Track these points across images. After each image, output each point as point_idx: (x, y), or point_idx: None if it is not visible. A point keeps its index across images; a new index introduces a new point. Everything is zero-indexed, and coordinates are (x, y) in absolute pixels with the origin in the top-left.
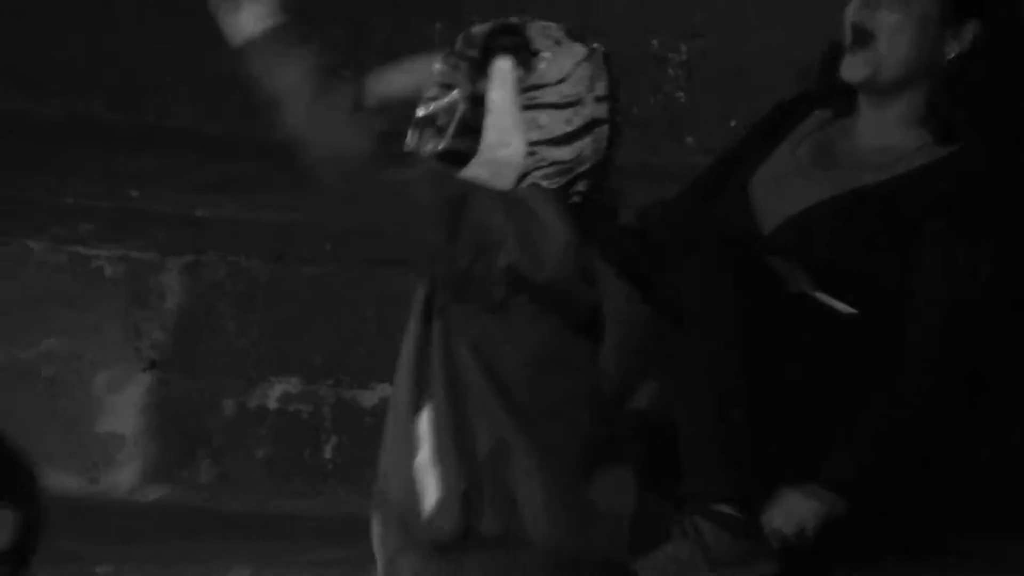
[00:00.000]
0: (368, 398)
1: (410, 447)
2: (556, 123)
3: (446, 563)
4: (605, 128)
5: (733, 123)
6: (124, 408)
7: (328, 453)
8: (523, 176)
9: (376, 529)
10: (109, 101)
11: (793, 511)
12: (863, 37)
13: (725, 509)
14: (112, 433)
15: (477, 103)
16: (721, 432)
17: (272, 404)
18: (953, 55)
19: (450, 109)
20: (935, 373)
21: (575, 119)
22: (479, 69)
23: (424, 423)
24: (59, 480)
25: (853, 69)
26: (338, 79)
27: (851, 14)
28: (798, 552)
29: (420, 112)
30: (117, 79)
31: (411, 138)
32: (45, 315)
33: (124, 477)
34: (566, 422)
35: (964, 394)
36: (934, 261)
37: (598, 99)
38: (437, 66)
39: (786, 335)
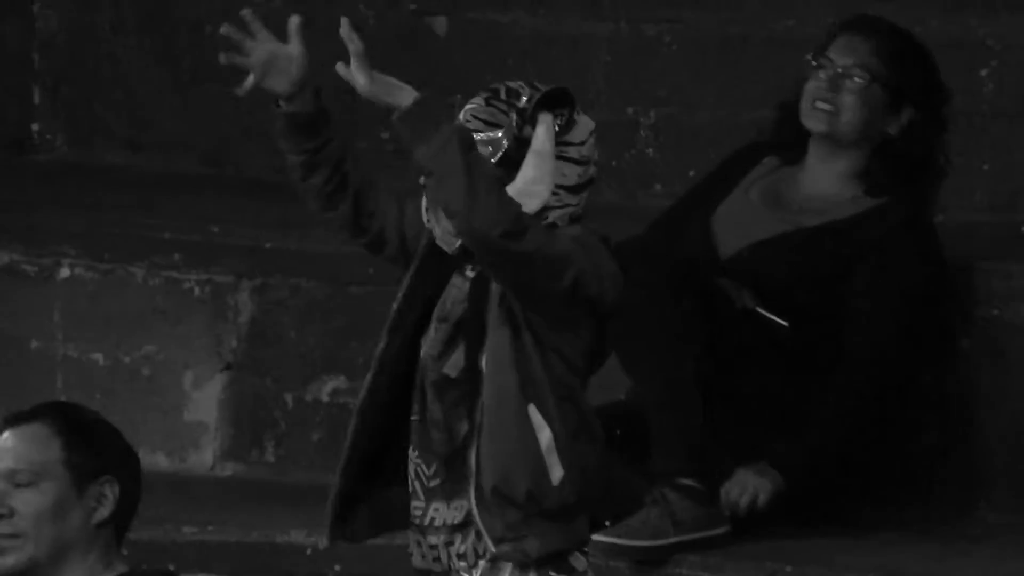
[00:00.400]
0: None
1: (529, 434)
2: (573, 175)
3: (567, 524)
4: (592, 184)
5: (692, 173)
6: (206, 401)
7: None
8: (543, 209)
9: (476, 510)
10: (198, 157)
11: (747, 486)
12: (828, 110)
13: (688, 482)
14: (197, 421)
15: (521, 143)
16: (685, 419)
17: (324, 397)
18: (892, 131)
19: (496, 143)
20: (868, 377)
21: (584, 175)
22: (527, 117)
23: (536, 414)
24: (154, 459)
25: (815, 125)
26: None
27: (813, 90)
28: (748, 518)
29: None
30: (204, 140)
31: None
32: (144, 327)
33: (205, 457)
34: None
35: (890, 393)
36: (864, 291)
37: (595, 163)
38: (474, 105)
39: (732, 340)
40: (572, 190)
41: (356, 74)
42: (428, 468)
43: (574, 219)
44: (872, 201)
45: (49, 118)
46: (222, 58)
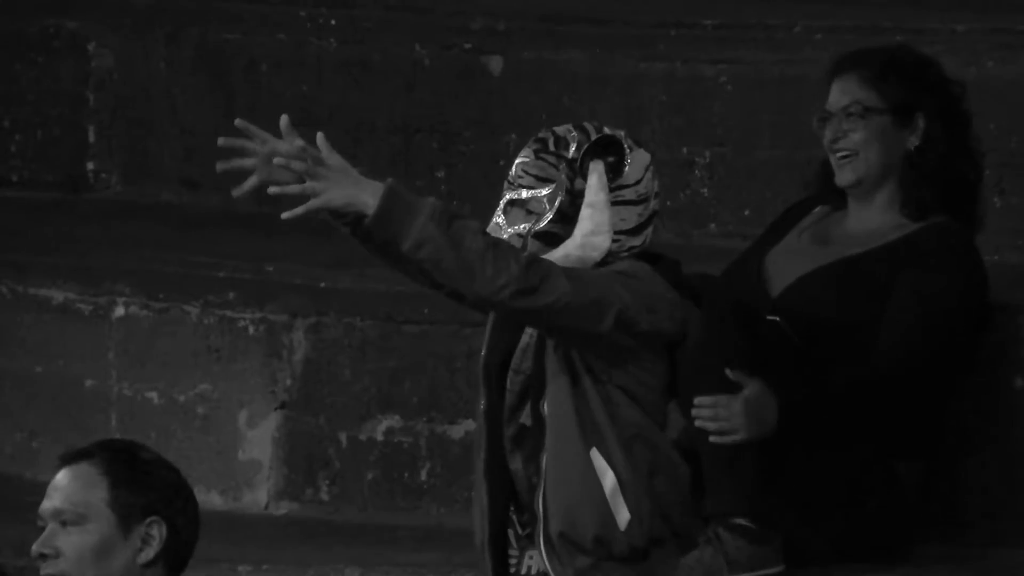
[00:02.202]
0: (456, 432)
1: (591, 480)
2: (633, 216)
3: (637, 566)
4: (656, 215)
5: (747, 212)
6: (261, 440)
7: (423, 476)
8: (606, 256)
9: (546, 557)
10: (252, 196)
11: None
12: (847, 156)
13: (741, 521)
14: (251, 460)
15: (575, 197)
16: (738, 459)
17: (379, 436)
18: (912, 147)
19: (550, 199)
20: (896, 363)
21: (645, 212)
22: (578, 170)
23: (598, 458)
24: (208, 498)
25: (844, 177)
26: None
27: (828, 143)
28: (802, 557)
29: (511, 196)
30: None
31: (498, 216)
32: (199, 365)
33: (260, 495)
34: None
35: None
36: (904, 289)
37: (656, 195)
38: (526, 159)
39: (781, 377)
40: (633, 232)
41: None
42: (520, 517)
43: (638, 257)
44: (915, 224)
45: (104, 157)
46: (219, 167)
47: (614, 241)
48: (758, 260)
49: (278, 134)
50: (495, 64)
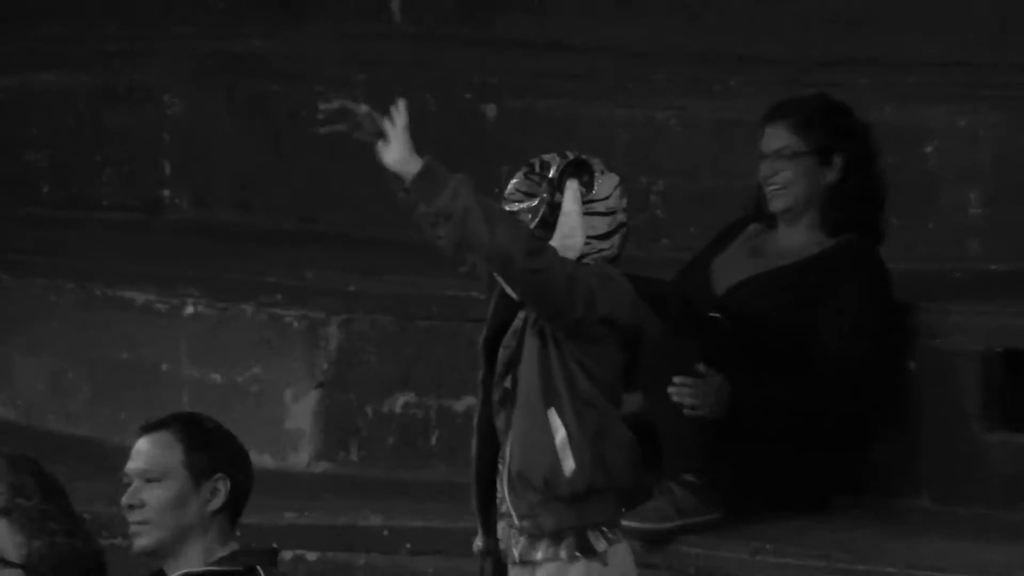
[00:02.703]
0: (459, 405)
1: (546, 433)
2: (602, 225)
3: (577, 505)
4: (625, 229)
5: (692, 230)
6: (302, 412)
7: (433, 441)
8: (580, 257)
9: (507, 492)
10: (296, 216)
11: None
12: (779, 189)
13: (689, 478)
14: (295, 428)
15: (554, 208)
16: (686, 427)
17: (397, 409)
18: (831, 181)
19: (534, 210)
20: (828, 376)
21: (613, 223)
22: (556, 186)
23: (554, 416)
24: (260, 459)
25: (776, 205)
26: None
27: (763, 178)
28: (739, 504)
29: (513, 207)
30: (301, 202)
31: None
32: (253, 353)
33: (302, 457)
34: (619, 408)
35: (848, 395)
36: (828, 305)
37: (623, 210)
38: (516, 180)
39: (728, 360)
40: (602, 237)
41: (395, 143)
42: (503, 465)
43: (610, 261)
44: (832, 240)
45: (176, 185)
46: (322, 107)
47: (586, 244)
48: (705, 267)
49: (322, 174)
50: (490, 110)
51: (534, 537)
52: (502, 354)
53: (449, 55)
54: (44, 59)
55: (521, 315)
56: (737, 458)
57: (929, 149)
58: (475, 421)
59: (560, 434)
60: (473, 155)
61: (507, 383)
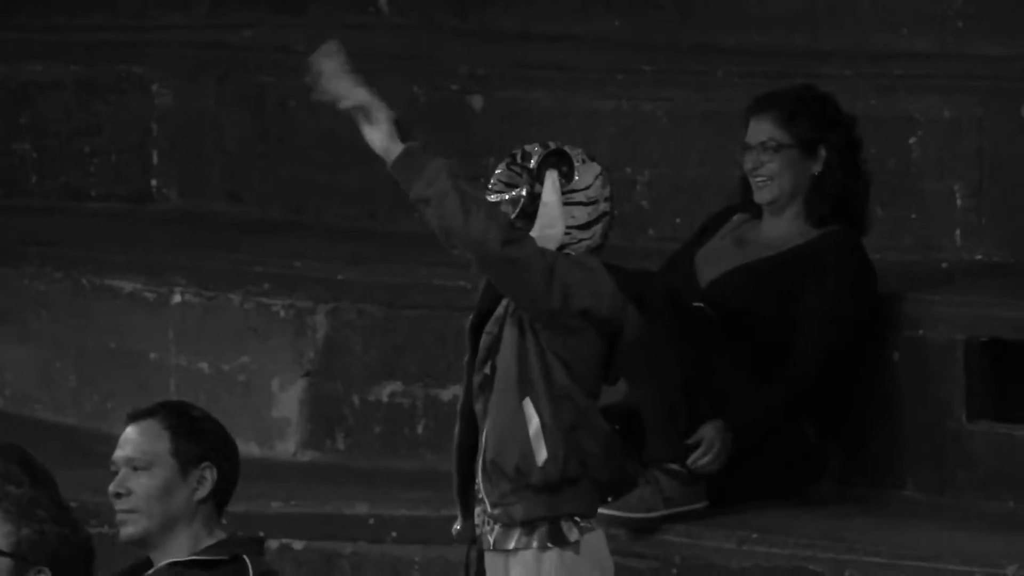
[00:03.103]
0: (445, 394)
1: (520, 422)
2: (583, 214)
3: (549, 495)
4: (608, 217)
5: (678, 220)
6: (289, 401)
7: (420, 430)
8: (561, 247)
9: (482, 479)
10: (283, 207)
11: (717, 450)
12: (763, 180)
13: (674, 467)
14: (282, 417)
15: (534, 198)
16: (670, 416)
17: (384, 398)
18: (816, 172)
19: (515, 201)
20: (811, 369)
21: (594, 212)
22: (536, 177)
23: (529, 406)
24: (247, 448)
25: (762, 196)
26: (473, 186)
27: (748, 170)
28: (721, 493)
29: (489, 200)
30: (288, 193)
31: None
32: (240, 342)
33: (288, 446)
34: (596, 400)
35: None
36: (810, 297)
37: (606, 199)
38: (499, 171)
39: (709, 352)
40: (583, 227)
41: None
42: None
43: (591, 249)
44: (816, 232)
45: (164, 175)
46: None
47: (567, 234)
48: (689, 258)
49: (310, 163)
50: (477, 102)
51: (507, 526)
52: (484, 340)
53: (436, 46)
54: (32, 49)
55: (504, 302)
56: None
57: (913, 140)
58: (458, 406)
59: (534, 423)
60: (460, 146)
61: (487, 369)
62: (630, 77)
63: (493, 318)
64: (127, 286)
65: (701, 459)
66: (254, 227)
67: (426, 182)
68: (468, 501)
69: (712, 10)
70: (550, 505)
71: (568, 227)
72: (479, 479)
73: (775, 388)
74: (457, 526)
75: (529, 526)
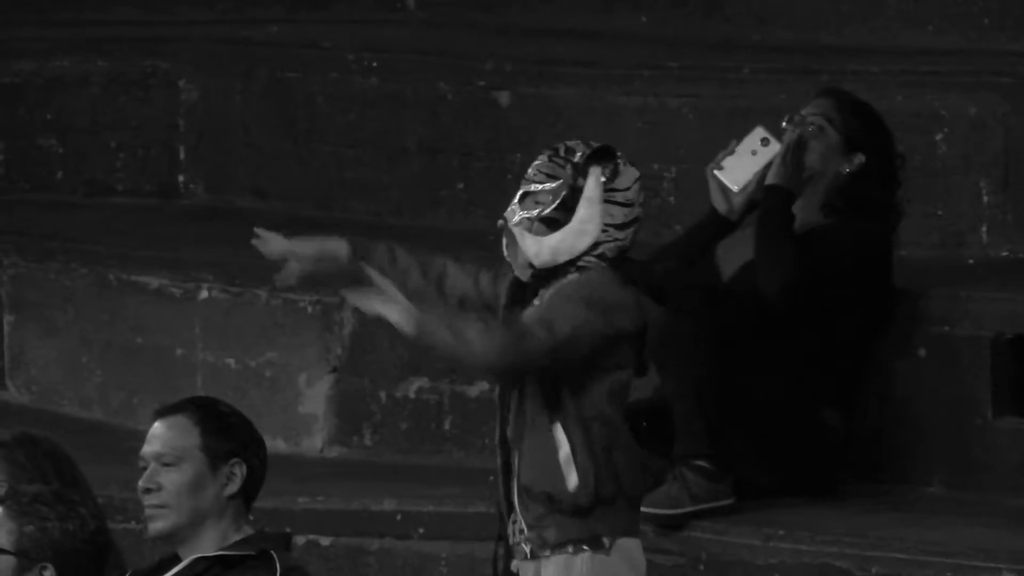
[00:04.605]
0: (472, 391)
1: (551, 448)
2: (620, 215)
3: (581, 519)
4: (639, 224)
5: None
6: (316, 397)
7: (447, 426)
8: (595, 244)
9: (516, 502)
10: (310, 202)
11: None
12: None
13: (701, 463)
14: (309, 413)
15: (575, 192)
16: (699, 412)
17: (411, 394)
18: (845, 171)
19: (555, 192)
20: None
21: (630, 215)
22: (581, 170)
23: (558, 431)
24: (274, 444)
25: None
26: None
27: (787, 138)
28: (749, 492)
29: (526, 188)
30: (315, 189)
31: (515, 204)
32: (267, 338)
33: (316, 442)
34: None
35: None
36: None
37: (640, 205)
38: (540, 161)
39: (739, 343)
40: (619, 227)
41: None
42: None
43: (622, 250)
44: (826, 221)
45: (191, 171)
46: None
47: (603, 231)
48: (711, 252)
49: (337, 159)
50: (504, 98)
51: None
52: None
53: (463, 42)
54: (59, 45)
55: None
56: (748, 444)
57: (939, 137)
58: (496, 438)
59: (564, 449)
60: (486, 143)
61: (515, 396)
62: (656, 73)
63: None
64: (153, 281)
65: None
66: (281, 222)
67: (410, 330)
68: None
69: (738, 6)
70: (583, 527)
71: (606, 225)
72: (513, 501)
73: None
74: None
75: (541, 547)
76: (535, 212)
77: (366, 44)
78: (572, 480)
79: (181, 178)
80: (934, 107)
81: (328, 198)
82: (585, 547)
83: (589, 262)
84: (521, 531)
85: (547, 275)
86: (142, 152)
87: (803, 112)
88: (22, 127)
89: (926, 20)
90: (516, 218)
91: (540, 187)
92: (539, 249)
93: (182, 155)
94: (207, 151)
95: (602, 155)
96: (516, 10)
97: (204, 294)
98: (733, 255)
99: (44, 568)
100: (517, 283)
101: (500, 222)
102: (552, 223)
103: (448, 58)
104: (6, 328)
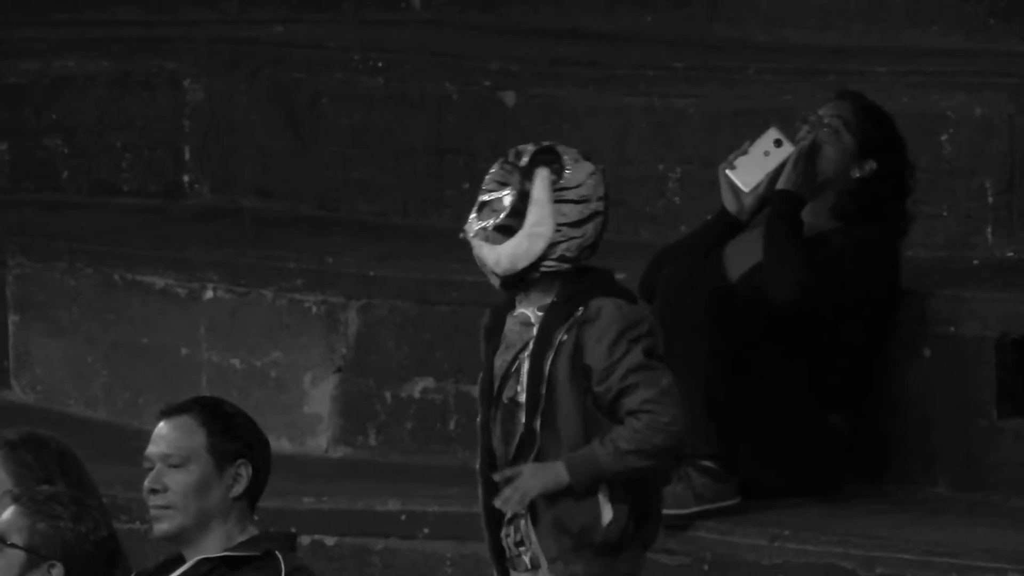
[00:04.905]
0: (477, 391)
1: None
2: (574, 212)
3: (608, 557)
4: (602, 217)
5: (709, 217)
6: (321, 397)
7: (452, 426)
8: (551, 245)
9: (535, 535)
10: (316, 203)
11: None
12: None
13: (707, 463)
14: (313, 413)
15: (524, 196)
16: (705, 412)
17: (416, 394)
18: (856, 175)
19: (506, 199)
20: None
21: (585, 210)
22: (526, 174)
23: None
24: (279, 444)
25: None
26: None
27: (801, 134)
28: (755, 493)
29: (482, 198)
30: (320, 189)
31: (473, 214)
32: (272, 338)
33: (320, 442)
34: None
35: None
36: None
37: (599, 199)
38: (493, 170)
39: (747, 344)
40: (574, 225)
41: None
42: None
43: (584, 248)
44: (835, 224)
45: (196, 171)
46: None
47: (557, 231)
48: (718, 253)
49: (342, 159)
50: (509, 98)
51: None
52: (500, 366)
53: (468, 42)
54: (65, 45)
55: (511, 324)
56: (754, 444)
57: (945, 138)
58: (478, 468)
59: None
60: (491, 143)
61: (513, 394)
62: (662, 74)
63: (508, 340)
64: (159, 282)
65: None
66: (286, 223)
67: (612, 474)
68: (500, 554)
69: (744, 7)
70: (607, 567)
71: (559, 224)
72: (530, 535)
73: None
74: None
75: None
76: (490, 221)
77: (372, 44)
78: (607, 515)
79: (186, 178)
80: (940, 108)
81: (334, 198)
82: None
83: (549, 266)
84: (518, 544)
85: (527, 287)
86: (147, 152)
87: (820, 112)
88: (27, 127)
89: (932, 21)
90: (473, 230)
91: (493, 195)
92: (497, 258)
93: (187, 155)
94: (212, 151)
95: (546, 154)
96: (522, 11)
97: (209, 294)
98: (741, 256)
99: (52, 566)
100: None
101: (461, 235)
102: (506, 230)
103: (454, 58)
104: (11, 328)
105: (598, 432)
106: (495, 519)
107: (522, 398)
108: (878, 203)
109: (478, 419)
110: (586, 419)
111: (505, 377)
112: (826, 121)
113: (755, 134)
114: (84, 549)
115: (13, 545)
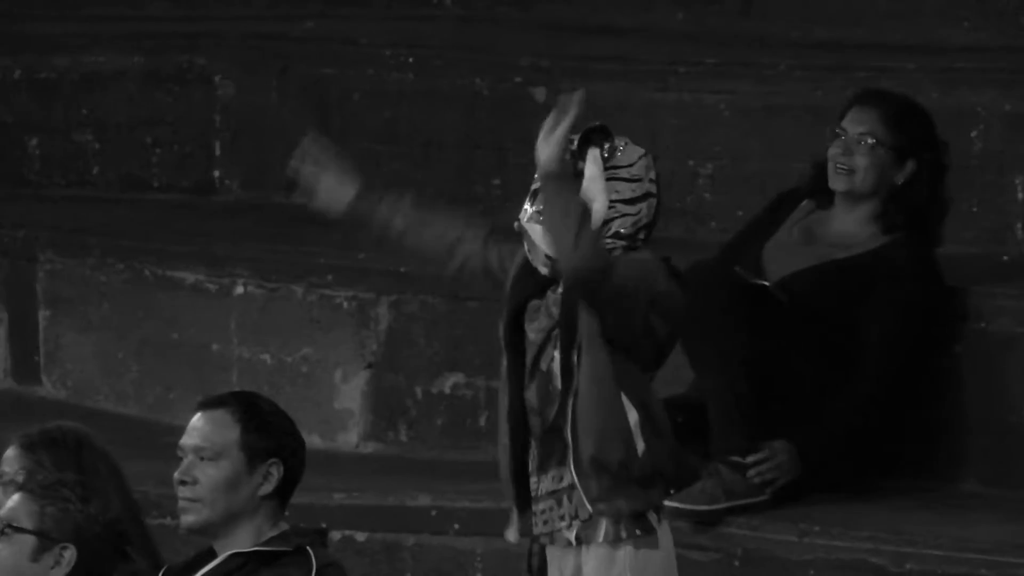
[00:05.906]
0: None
1: (621, 414)
2: (627, 190)
3: (645, 489)
4: (654, 199)
5: (740, 213)
6: (352, 393)
7: (482, 422)
8: (607, 221)
9: (576, 476)
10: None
11: (782, 467)
12: (846, 170)
13: (737, 459)
14: (344, 409)
15: (578, 175)
16: (735, 409)
17: (447, 390)
18: (899, 181)
19: None
20: (878, 381)
21: (638, 190)
22: (578, 155)
23: (625, 398)
24: (310, 440)
25: (838, 184)
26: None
27: (834, 155)
28: (786, 489)
29: (535, 187)
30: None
31: (527, 203)
32: (303, 334)
33: (351, 437)
34: None
35: (894, 394)
36: (878, 312)
37: (651, 180)
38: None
39: (776, 344)
40: (628, 202)
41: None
42: (532, 448)
43: (639, 227)
44: (887, 237)
45: (227, 166)
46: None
47: (611, 208)
48: (756, 250)
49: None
50: (540, 93)
51: (605, 521)
52: (536, 337)
53: (499, 38)
54: (96, 40)
55: (551, 300)
56: (786, 440)
57: (975, 134)
58: (504, 412)
59: (633, 415)
60: (521, 139)
61: (543, 363)
62: (692, 70)
63: (544, 315)
64: (189, 277)
65: (762, 468)
66: (316, 219)
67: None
68: (525, 501)
69: (774, 3)
70: (646, 499)
71: (612, 200)
72: (572, 474)
73: (841, 411)
74: (513, 533)
75: (616, 518)
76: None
77: (402, 40)
78: (640, 446)
79: (217, 174)
80: (970, 104)
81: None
82: (639, 531)
83: (604, 244)
84: (562, 518)
85: None
86: (178, 148)
87: (844, 125)
88: (58, 123)
89: (962, 17)
90: (527, 214)
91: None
92: None
93: (218, 151)
94: (243, 147)
95: (596, 133)
96: (552, 6)
97: (240, 290)
98: (779, 260)
99: (64, 548)
100: (518, 281)
101: (515, 224)
102: None
103: (484, 54)
104: (42, 323)
105: (622, 366)
106: (522, 467)
107: (556, 366)
108: (923, 207)
109: (503, 366)
110: (613, 354)
111: (543, 346)
112: (857, 139)
113: (786, 130)
114: (94, 531)
115: (23, 530)
